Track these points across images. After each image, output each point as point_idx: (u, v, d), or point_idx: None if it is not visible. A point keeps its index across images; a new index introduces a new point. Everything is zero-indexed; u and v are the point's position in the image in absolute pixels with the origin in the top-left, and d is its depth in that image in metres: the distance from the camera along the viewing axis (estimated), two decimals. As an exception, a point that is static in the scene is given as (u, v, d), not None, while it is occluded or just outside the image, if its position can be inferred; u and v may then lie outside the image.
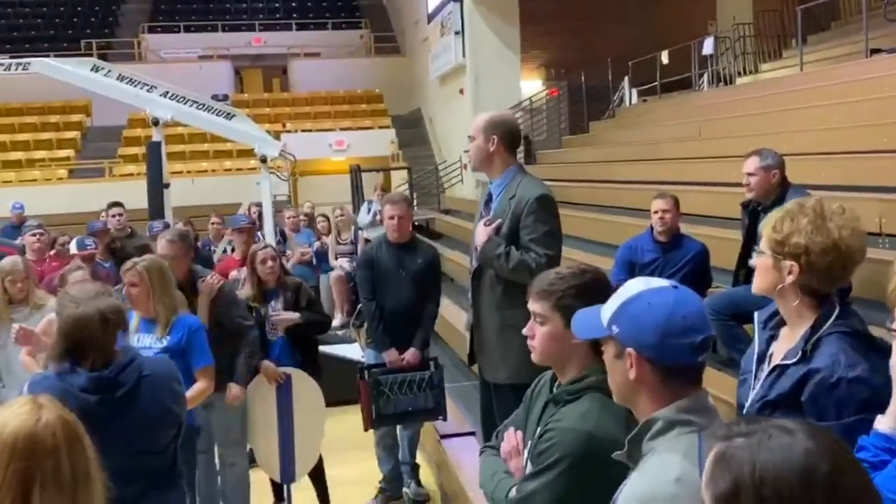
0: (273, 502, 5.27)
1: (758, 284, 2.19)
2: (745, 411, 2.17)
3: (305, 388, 4.97)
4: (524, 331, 2.20)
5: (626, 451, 1.70)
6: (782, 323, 2.21)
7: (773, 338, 2.22)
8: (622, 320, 1.67)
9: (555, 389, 2.19)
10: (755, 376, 2.19)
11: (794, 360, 2.06)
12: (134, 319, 3.96)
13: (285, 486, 5.07)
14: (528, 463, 2.15)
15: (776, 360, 2.13)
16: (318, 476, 5.21)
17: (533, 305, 2.17)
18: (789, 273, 2.08)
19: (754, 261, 2.20)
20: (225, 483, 4.87)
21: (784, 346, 2.14)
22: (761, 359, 2.21)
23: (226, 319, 4.66)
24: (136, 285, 3.94)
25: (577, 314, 1.86)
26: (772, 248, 2.12)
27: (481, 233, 3.72)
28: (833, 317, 2.07)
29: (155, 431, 2.75)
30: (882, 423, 1.82)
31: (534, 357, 2.20)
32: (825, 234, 2.06)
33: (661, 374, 1.65)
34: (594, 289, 2.11)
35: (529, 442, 2.19)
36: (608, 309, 1.72)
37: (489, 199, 3.85)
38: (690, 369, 1.67)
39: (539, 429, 2.13)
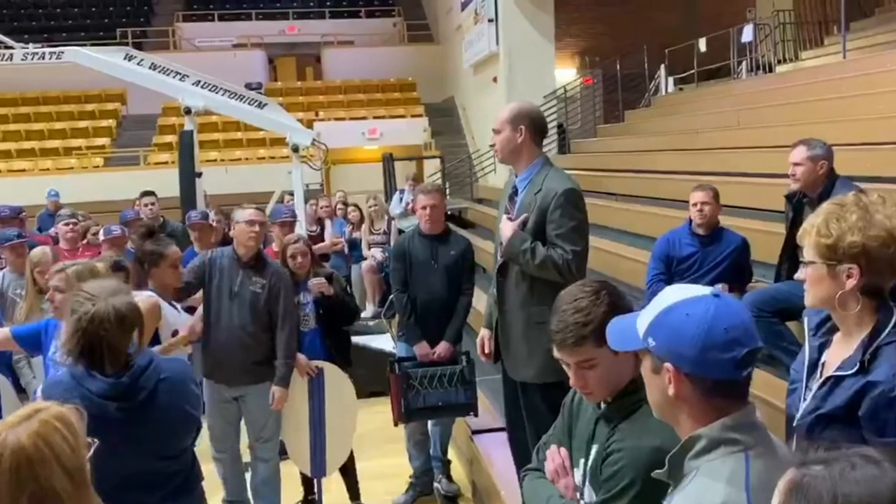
0: (303, 496, 5.22)
1: (814, 298, 2.02)
2: (795, 424, 2.04)
3: (338, 381, 4.92)
4: (573, 384, 2.04)
5: (667, 469, 1.58)
6: (834, 329, 2.07)
7: (824, 345, 2.08)
8: (659, 333, 1.55)
9: (602, 404, 2.06)
10: (806, 386, 2.07)
11: (852, 371, 1.93)
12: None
13: (316, 480, 5.02)
14: (587, 484, 2.02)
15: (830, 370, 2.00)
16: (348, 470, 5.17)
17: (571, 356, 2.00)
18: (848, 277, 1.93)
19: (802, 274, 2.04)
20: (256, 478, 4.82)
21: (838, 354, 2.01)
22: (812, 367, 2.08)
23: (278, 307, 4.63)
24: (61, 291, 3.57)
25: (612, 323, 1.74)
26: (823, 256, 1.96)
27: (506, 228, 3.61)
28: (891, 324, 1.94)
29: (174, 435, 2.68)
30: None
31: (595, 400, 2.05)
32: (879, 227, 1.92)
33: (702, 391, 1.52)
34: (617, 303, 1.99)
35: (582, 461, 2.07)
36: (644, 319, 1.60)
37: (514, 193, 3.74)
38: (735, 385, 1.53)
39: (595, 448, 2.01)
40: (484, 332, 3.97)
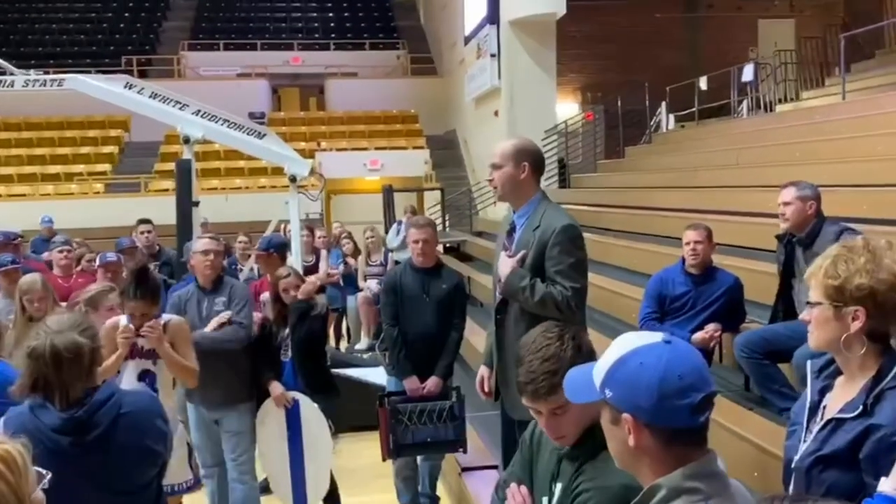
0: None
1: (818, 339, 2.01)
2: (793, 466, 2.01)
3: (311, 413, 4.96)
4: (544, 428, 2.05)
5: None
6: (836, 373, 2.06)
7: (826, 388, 2.06)
8: (614, 384, 1.55)
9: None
10: (806, 428, 2.04)
11: (854, 413, 1.91)
12: None
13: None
14: None
15: (831, 413, 1.98)
16: (332, 500, 5.15)
17: (544, 406, 2.01)
18: (854, 319, 1.93)
19: (806, 315, 2.03)
20: (234, 501, 4.82)
21: (840, 397, 1.99)
22: (813, 410, 2.06)
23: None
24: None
25: (569, 376, 1.73)
26: (830, 297, 1.96)
27: (505, 265, 3.59)
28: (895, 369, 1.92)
29: (133, 472, 2.62)
30: (886, 485, 1.70)
31: (568, 444, 2.05)
32: (887, 271, 1.92)
33: (662, 440, 1.51)
34: (581, 345, 2.01)
35: (545, 499, 2.05)
36: (599, 370, 1.59)
37: (512, 230, 3.72)
38: (693, 431, 1.52)
39: (560, 486, 1.98)
40: (483, 370, 3.92)
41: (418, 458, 5.17)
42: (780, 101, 14.27)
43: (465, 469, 5.32)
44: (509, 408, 3.70)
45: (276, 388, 4.87)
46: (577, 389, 1.68)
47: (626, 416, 1.52)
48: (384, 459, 4.94)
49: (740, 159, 9.66)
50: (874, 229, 4.76)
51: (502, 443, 3.86)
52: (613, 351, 1.58)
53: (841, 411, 1.95)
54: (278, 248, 6.16)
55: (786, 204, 4.40)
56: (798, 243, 4.38)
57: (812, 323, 2.01)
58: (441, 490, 5.44)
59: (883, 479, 1.71)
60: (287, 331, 5.09)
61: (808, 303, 2.03)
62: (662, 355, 1.52)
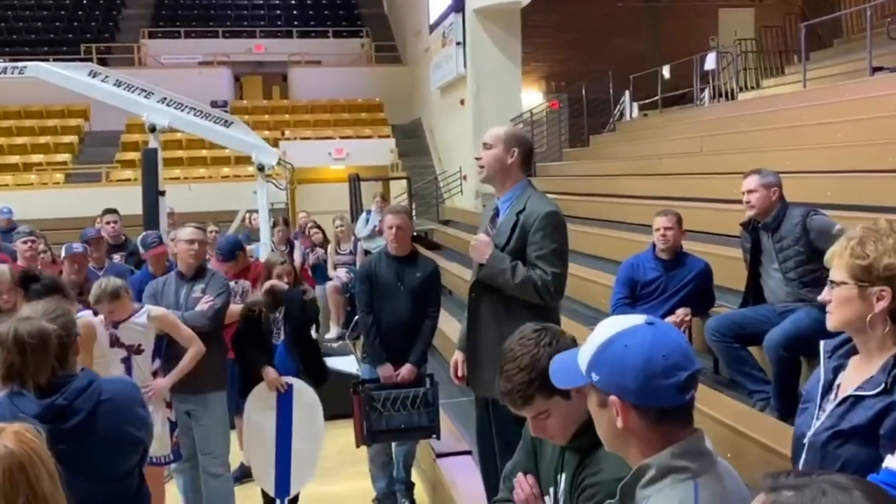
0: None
1: (840, 318, 2.03)
2: (807, 440, 2.04)
3: (307, 401, 4.93)
4: (532, 433, 2.06)
5: (619, 499, 1.60)
6: (850, 353, 2.09)
7: (839, 368, 2.10)
8: (600, 367, 1.57)
9: None
10: (819, 406, 2.08)
11: (875, 391, 1.94)
12: None
13: (278, 501, 4.97)
14: None
15: (847, 391, 2.01)
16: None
17: (525, 413, 2.03)
18: (879, 300, 1.95)
19: (827, 295, 2.05)
20: (207, 493, 4.80)
21: (856, 376, 2.02)
22: (827, 389, 2.09)
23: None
24: None
25: (554, 361, 1.76)
26: (856, 277, 1.97)
27: (479, 246, 3.60)
28: None
29: (115, 458, 2.62)
30: (893, 462, 1.72)
31: (560, 442, 2.06)
32: None
33: (649, 420, 1.54)
34: (556, 346, 2.00)
35: (551, 489, 2.06)
36: (585, 354, 1.62)
37: (496, 214, 3.75)
38: (679, 410, 1.56)
39: (564, 476, 2.00)
40: (457, 355, 3.94)
41: (393, 445, 5.19)
42: (741, 89, 14.44)
43: (439, 455, 5.36)
44: (477, 385, 3.73)
45: (269, 373, 4.87)
46: (564, 375, 1.70)
47: (612, 398, 1.55)
48: (358, 446, 4.96)
49: (704, 147, 9.78)
50: (838, 214, 4.86)
51: (477, 424, 3.88)
52: (597, 335, 1.61)
53: (859, 388, 1.98)
54: (239, 248, 6.25)
55: (750, 192, 4.46)
56: (764, 228, 4.46)
57: (833, 303, 2.03)
58: (416, 476, 5.48)
59: (889, 456, 1.73)
60: (278, 314, 5.08)
61: (830, 281, 2.04)
62: (646, 336, 1.55)
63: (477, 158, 3.72)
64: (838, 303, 2.02)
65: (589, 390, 1.62)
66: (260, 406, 4.87)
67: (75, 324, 2.68)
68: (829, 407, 2.04)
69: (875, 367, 1.98)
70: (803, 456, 2.05)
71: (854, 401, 1.98)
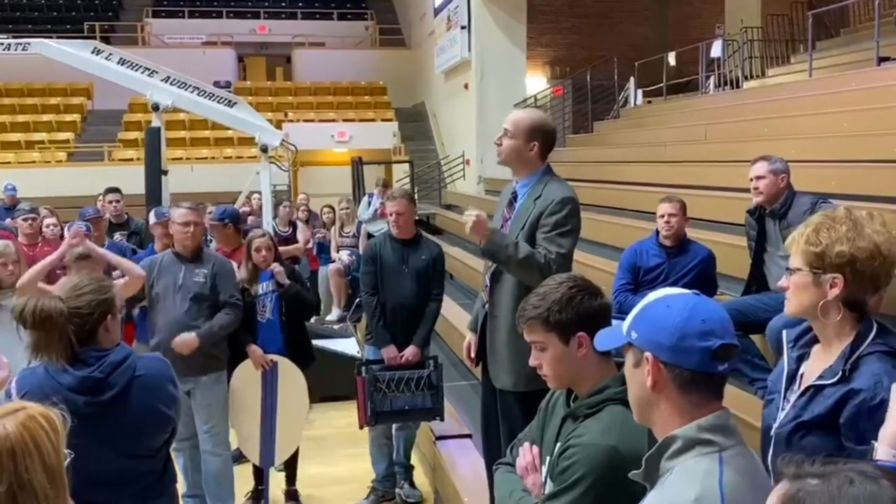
0: (253, 486, 5.22)
1: (796, 305, 2.06)
2: (773, 432, 2.05)
3: (291, 376, 5.01)
4: (531, 362, 2.13)
5: (643, 470, 1.60)
6: (813, 341, 2.10)
7: (802, 357, 2.11)
8: (640, 325, 1.62)
9: (571, 403, 2.10)
10: (784, 397, 2.09)
11: (833, 380, 1.95)
12: None
13: (264, 470, 5.08)
14: (549, 480, 2.06)
15: (809, 381, 2.02)
16: (290, 468, 5.27)
17: (527, 335, 2.12)
18: (832, 287, 1.98)
19: (784, 282, 2.08)
20: (207, 472, 4.82)
21: (817, 365, 2.03)
22: (791, 379, 2.10)
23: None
24: None
25: (600, 332, 1.80)
26: (810, 263, 2.00)
27: (477, 224, 3.43)
28: (872, 335, 1.97)
29: (146, 435, 2.63)
30: (880, 452, 1.70)
31: (551, 385, 2.16)
32: (867, 240, 1.97)
33: (679, 383, 1.56)
34: (575, 297, 2.06)
35: (548, 458, 2.10)
36: (629, 318, 1.65)
37: (514, 199, 3.71)
38: (710, 379, 1.57)
39: (558, 445, 2.04)
40: (470, 336, 3.92)
41: (393, 427, 5.21)
42: (746, 77, 14.39)
43: (438, 438, 5.37)
44: (492, 374, 3.72)
45: (254, 351, 4.94)
46: (605, 337, 1.76)
47: (647, 354, 1.58)
48: (361, 427, 4.97)
49: (709, 135, 9.76)
50: (843, 204, 4.84)
51: (482, 410, 3.88)
52: (645, 300, 1.65)
53: (819, 378, 1.99)
54: (234, 220, 6.06)
55: (758, 178, 4.45)
56: (771, 215, 4.44)
57: (790, 289, 2.05)
58: (415, 458, 5.50)
59: (875, 444, 1.70)
60: (260, 288, 5.08)
61: (787, 269, 2.07)
62: (690, 301, 1.60)
63: (497, 143, 3.66)
64: (795, 289, 2.05)
65: (627, 351, 1.65)
66: (245, 379, 4.95)
67: (105, 300, 2.62)
68: (793, 398, 2.05)
69: (834, 355, 1.99)
70: (770, 449, 2.06)
71: (815, 391, 1.99)
